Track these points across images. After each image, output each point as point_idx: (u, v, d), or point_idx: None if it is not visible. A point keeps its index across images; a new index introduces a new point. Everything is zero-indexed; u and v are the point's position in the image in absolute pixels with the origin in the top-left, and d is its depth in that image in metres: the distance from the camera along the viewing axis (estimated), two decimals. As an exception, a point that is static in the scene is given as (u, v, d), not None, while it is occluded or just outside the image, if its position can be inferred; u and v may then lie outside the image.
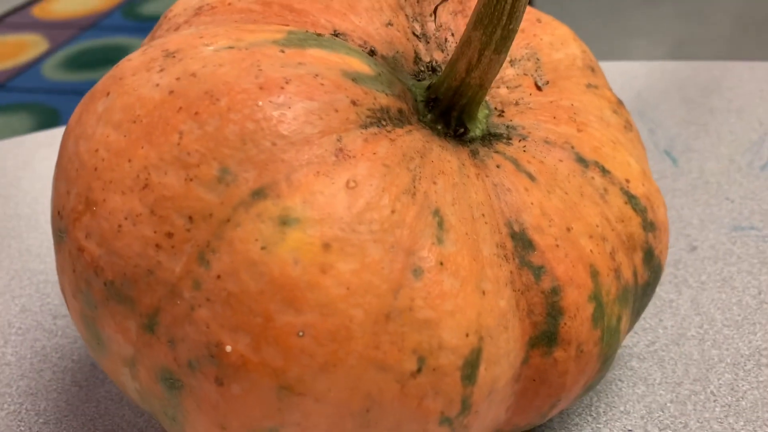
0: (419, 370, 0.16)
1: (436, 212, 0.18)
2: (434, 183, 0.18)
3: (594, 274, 0.19)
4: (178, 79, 0.18)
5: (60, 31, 2.09)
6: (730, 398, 0.26)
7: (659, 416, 0.25)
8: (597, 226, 0.20)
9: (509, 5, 0.18)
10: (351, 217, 0.16)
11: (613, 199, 0.21)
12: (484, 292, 0.17)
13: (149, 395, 0.18)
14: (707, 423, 0.25)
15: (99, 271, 0.17)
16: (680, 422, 0.25)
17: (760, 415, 0.25)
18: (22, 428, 0.25)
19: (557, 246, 0.19)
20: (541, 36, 0.24)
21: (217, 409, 0.17)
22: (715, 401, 0.25)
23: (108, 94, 0.18)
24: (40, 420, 0.26)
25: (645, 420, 0.25)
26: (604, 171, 0.21)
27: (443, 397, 0.17)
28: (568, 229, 0.19)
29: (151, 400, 0.19)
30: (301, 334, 0.16)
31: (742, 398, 0.25)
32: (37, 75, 1.87)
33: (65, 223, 0.18)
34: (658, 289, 0.30)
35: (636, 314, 0.22)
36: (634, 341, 0.28)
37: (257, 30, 0.19)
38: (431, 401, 0.17)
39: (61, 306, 0.31)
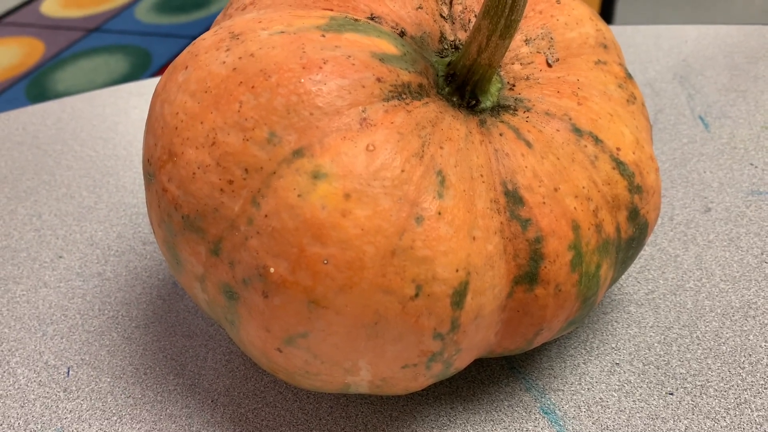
0: (417, 295, 0.21)
1: (440, 172, 0.22)
2: (441, 148, 0.22)
3: (575, 227, 0.23)
4: (240, 58, 0.22)
5: (152, -27, 2.17)
6: (712, 343, 0.29)
7: (645, 354, 0.29)
8: (583, 187, 0.24)
9: (511, 1, 0.22)
10: (368, 174, 0.21)
11: (602, 165, 0.24)
12: (474, 238, 0.22)
13: (214, 304, 0.24)
14: (687, 362, 0.28)
15: (178, 207, 0.23)
16: (663, 360, 0.28)
17: (736, 359, 0.28)
18: (119, 330, 0.32)
19: (544, 203, 0.23)
20: (557, 17, 0.27)
21: (263, 315, 0.22)
22: (698, 345, 0.29)
23: (186, 67, 0.23)
24: (133, 324, 0.32)
25: (632, 356, 0.29)
26: (597, 140, 0.25)
27: (436, 317, 0.21)
28: (556, 189, 0.23)
29: (215, 309, 0.24)
30: (325, 262, 0.21)
31: (724, 344, 0.29)
32: (131, 18, 1.97)
33: (153, 169, 0.24)
34: (665, 245, 0.33)
35: (622, 263, 0.26)
36: (635, 289, 0.31)
37: (305, 16, 0.24)
38: (426, 319, 0.21)
39: (150, 234, 0.37)
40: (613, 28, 0.51)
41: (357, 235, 0.21)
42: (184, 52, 0.24)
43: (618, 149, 0.25)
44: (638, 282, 0.32)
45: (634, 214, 0.25)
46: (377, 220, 0.21)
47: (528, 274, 0.23)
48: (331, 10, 0.25)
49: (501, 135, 0.24)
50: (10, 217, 0.38)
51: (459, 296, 0.21)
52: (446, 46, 0.26)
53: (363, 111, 0.22)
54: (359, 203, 0.21)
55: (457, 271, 0.21)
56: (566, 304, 0.24)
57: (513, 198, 0.23)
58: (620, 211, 0.25)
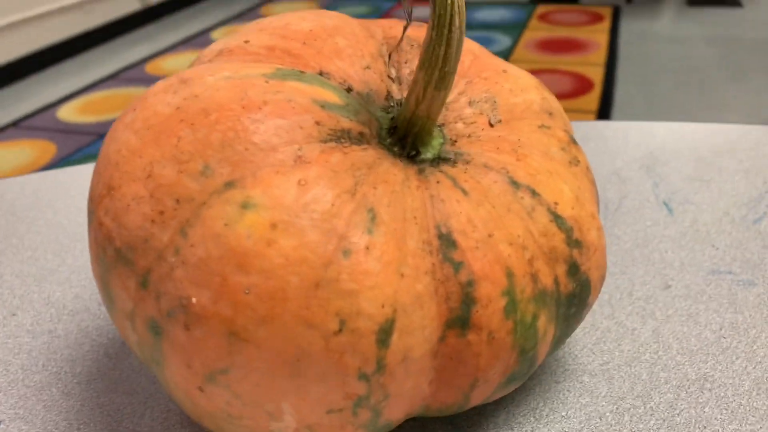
0: (340, 330, 0.21)
1: (371, 210, 0.22)
2: (374, 188, 0.23)
3: (509, 274, 0.23)
4: (184, 99, 0.23)
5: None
6: (666, 414, 0.28)
7: (596, 423, 0.28)
8: (519, 236, 0.24)
9: (443, 53, 0.23)
10: (297, 207, 0.21)
11: (538, 217, 0.25)
12: (402, 275, 0.22)
13: (143, 344, 0.23)
14: (640, 432, 0.27)
15: (111, 240, 0.23)
16: (614, 430, 0.27)
17: (691, 430, 0.27)
18: (59, 386, 0.31)
19: (477, 248, 0.23)
20: (502, 84, 0.28)
21: (185, 350, 0.21)
22: (651, 415, 0.28)
23: (135, 109, 0.24)
24: (74, 380, 0.31)
25: (582, 425, 0.28)
26: (534, 193, 0.25)
27: (360, 355, 0.21)
28: (490, 235, 0.23)
29: (144, 349, 0.24)
30: (247, 291, 0.20)
31: (678, 415, 0.28)
32: (142, 124, 2.04)
33: (93, 206, 0.24)
34: (623, 318, 0.33)
35: (564, 320, 0.26)
36: (589, 360, 0.31)
37: (254, 67, 0.25)
38: (350, 357, 0.21)
39: (107, 296, 0.37)
40: (581, 123, 0.53)
41: (281, 265, 0.20)
42: (138, 97, 0.25)
43: (556, 203, 0.25)
44: (593, 353, 0.31)
45: (573, 269, 0.25)
46: (303, 250, 0.21)
47: (460, 318, 0.22)
48: (282, 65, 0.26)
49: (438, 183, 0.24)
50: (-30, 275, 0.38)
51: (385, 334, 0.21)
52: (392, 104, 0.27)
53: (299, 149, 0.22)
54: (285, 233, 0.21)
55: (383, 306, 0.21)
56: (501, 354, 0.23)
57: (446, 241, 0.23)
58: (558, 263, 0.25)
